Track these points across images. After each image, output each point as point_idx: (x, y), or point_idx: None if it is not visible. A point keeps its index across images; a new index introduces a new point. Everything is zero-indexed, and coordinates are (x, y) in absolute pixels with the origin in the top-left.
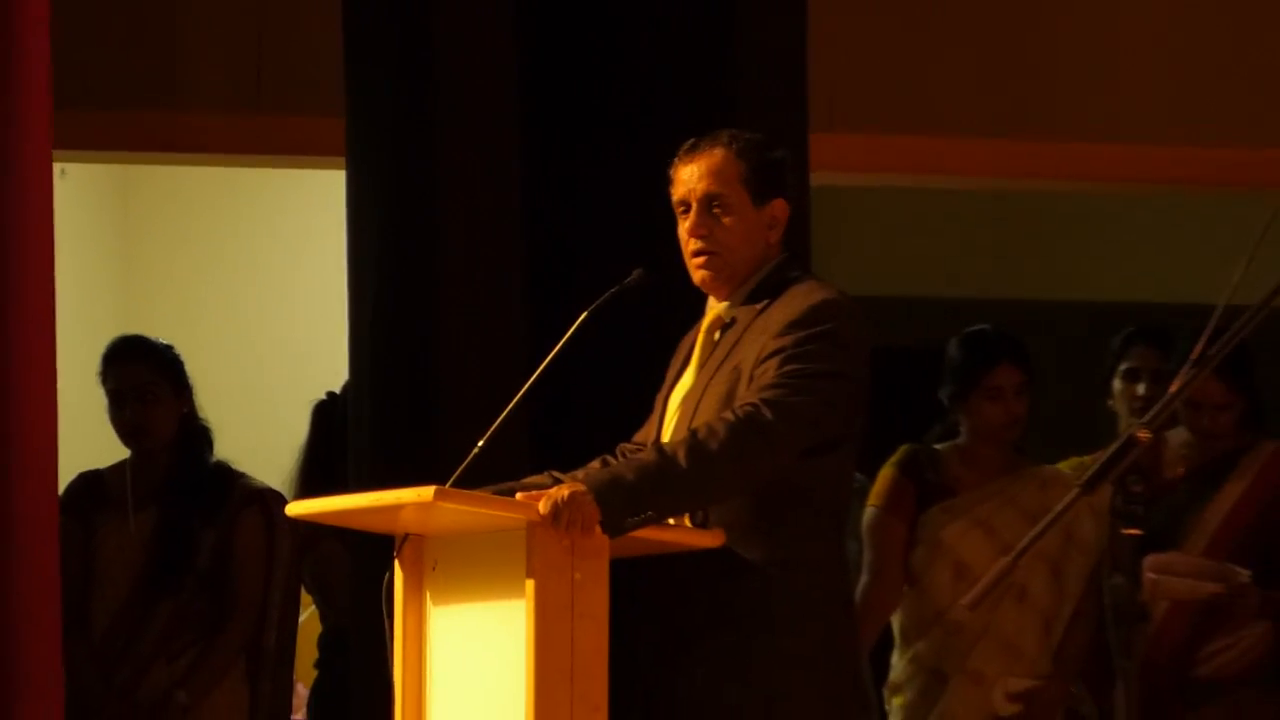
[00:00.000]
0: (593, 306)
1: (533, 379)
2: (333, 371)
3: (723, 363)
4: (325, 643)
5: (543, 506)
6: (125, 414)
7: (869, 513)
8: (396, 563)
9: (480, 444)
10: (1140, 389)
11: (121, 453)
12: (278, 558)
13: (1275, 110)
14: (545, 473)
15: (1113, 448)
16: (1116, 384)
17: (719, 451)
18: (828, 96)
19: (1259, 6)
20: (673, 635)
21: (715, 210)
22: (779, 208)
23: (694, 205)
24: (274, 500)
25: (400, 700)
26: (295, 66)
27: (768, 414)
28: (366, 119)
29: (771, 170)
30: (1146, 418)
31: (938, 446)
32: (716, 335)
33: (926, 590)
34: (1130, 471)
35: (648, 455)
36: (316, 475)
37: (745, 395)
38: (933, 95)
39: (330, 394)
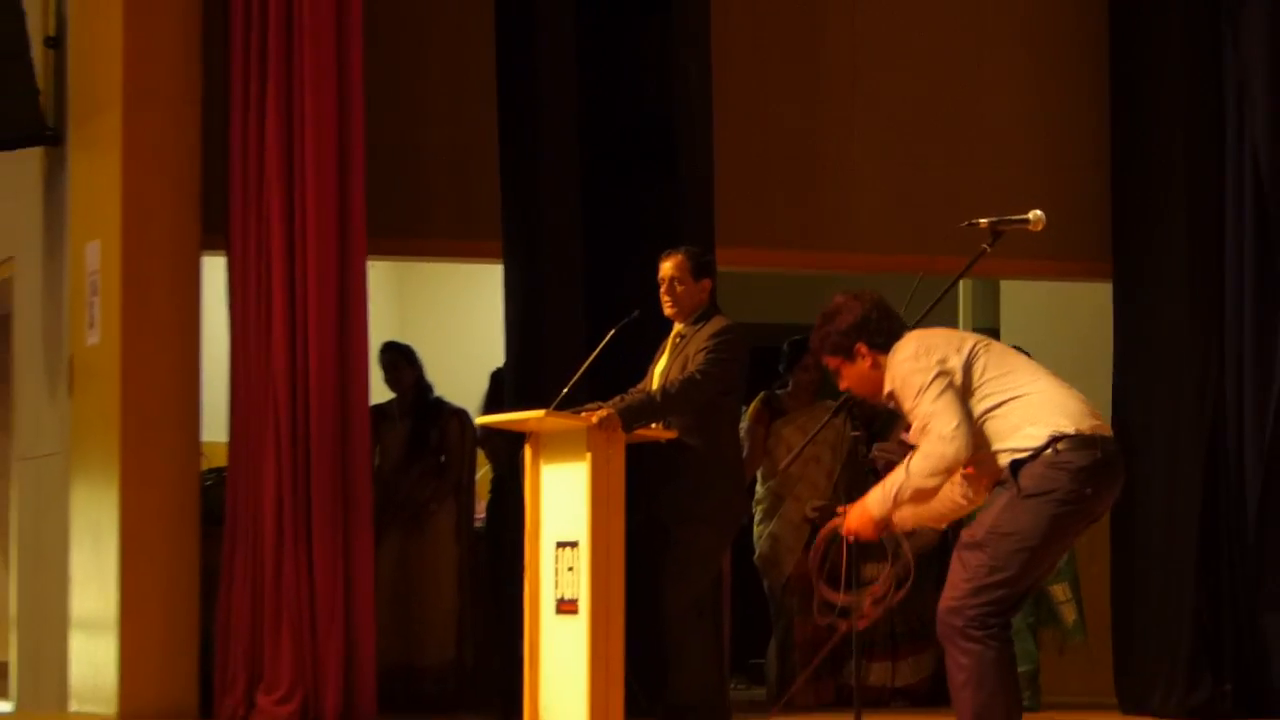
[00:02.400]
0: (610, 334)
1: (588, 361)
2: (497, 358)
3: (679, 353)
4: (494, 484)
5: (594, 418)
6: (391, 377)
7: (746, 422)
8: (527, 445)
9: (564, 390)
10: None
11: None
12: (467, 440)
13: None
14: (595, 402)
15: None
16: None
17: (677, 394)
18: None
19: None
20: (654, 483)
21: (675, 285)
22: (705, 283)
23: (664, 283)
24: (465, 414)
25: (529, 508)
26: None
27: (698, 377)
28: (515, 213)
29: (703, 265)
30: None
31: (778, 391)
32: (677, 340)
33: (772, 456)
34: (859, 403)
35: (643, 394)
36: (491, 404)
37: (689, 369)
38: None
39: (498, 369)
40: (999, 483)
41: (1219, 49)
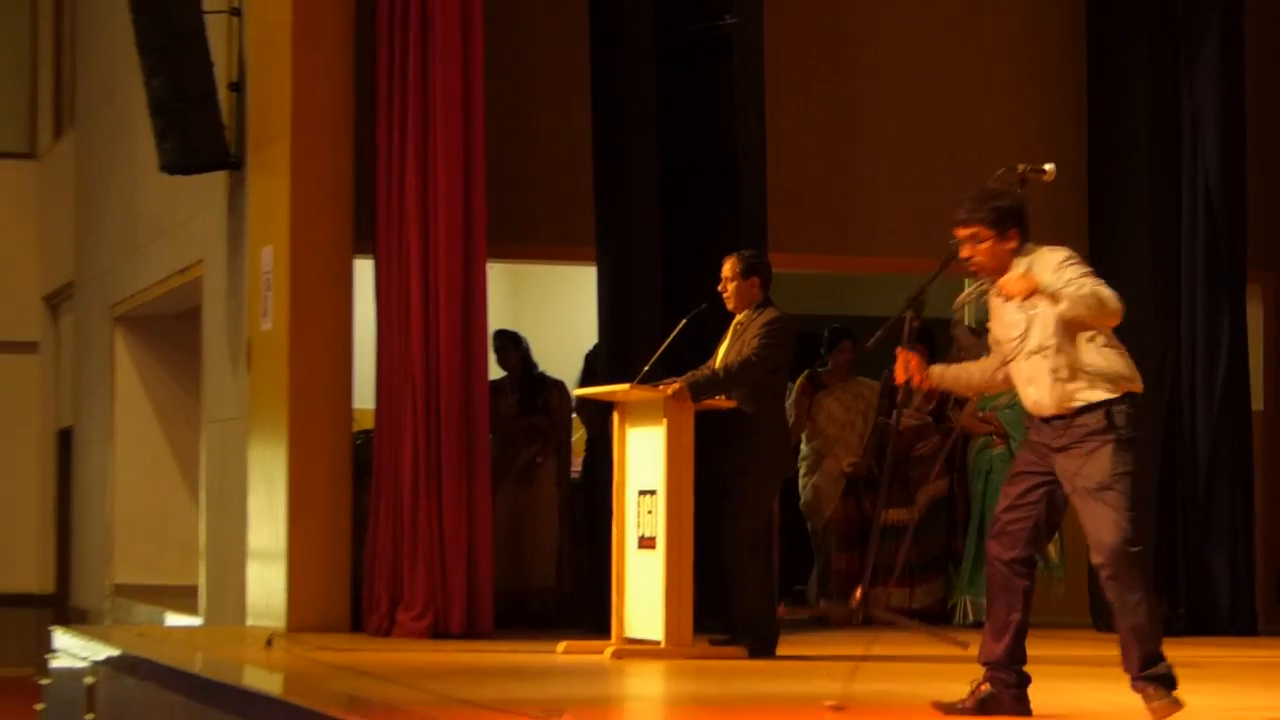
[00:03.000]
0: (682, 322)
1: (664, 345)
2: (590, 341)
3: (738, 338)
4: (587, 444)
5: (669, 391)
6: (502, 358)
7: (792, 394)
8: (615, 412)
9: (645, 368)
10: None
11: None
12: (566, 409)
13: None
14: (670, 377)
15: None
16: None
17: (735, 372)
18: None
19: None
20: (717, 443)
21: (729, 282)
22: (755, 280)
23: (723, 281)
24: (564, 387)
25: (617, 463)
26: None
27: (752, 359)
28: (606, 224)
29: (752, 266)
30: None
31: (819, 369)
32: (736, 327)
33: (814, 422)
34: (888, 379)
35: (709, 371)
36: (586, 379)
37: (745, 352)
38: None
39: (590, 350)
40: (1090, 432)
41: (1177, 85)
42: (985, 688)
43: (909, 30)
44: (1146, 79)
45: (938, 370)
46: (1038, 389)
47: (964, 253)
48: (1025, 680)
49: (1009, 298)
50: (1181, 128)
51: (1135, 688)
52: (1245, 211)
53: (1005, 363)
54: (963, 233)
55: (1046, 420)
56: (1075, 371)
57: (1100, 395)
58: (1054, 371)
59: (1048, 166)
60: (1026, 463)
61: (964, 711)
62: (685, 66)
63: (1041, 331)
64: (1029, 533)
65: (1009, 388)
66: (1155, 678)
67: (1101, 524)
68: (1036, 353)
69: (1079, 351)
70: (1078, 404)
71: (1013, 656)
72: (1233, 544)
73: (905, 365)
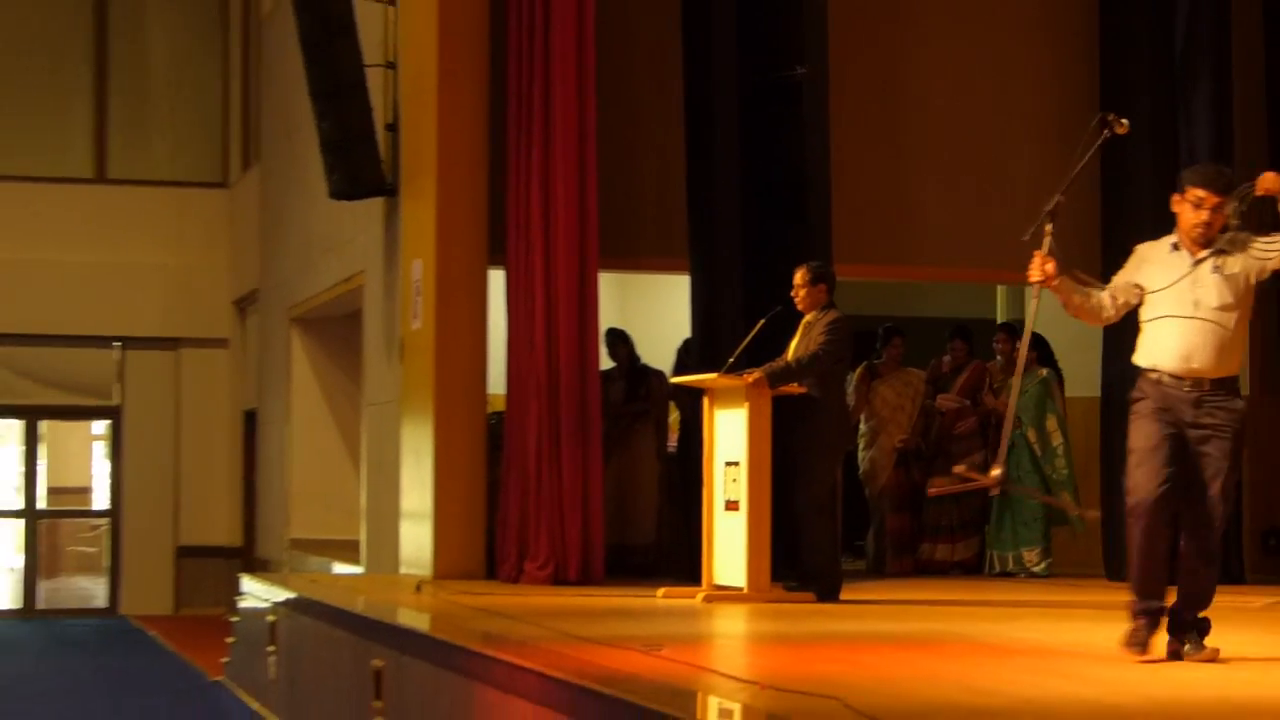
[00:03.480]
0: (760, 323)
1: (745, 341)
2: (684, 334)
3: (806, 335)
4: (682, 423)
5: (749, 379)
6: (611, 351)
7: (853, 382)
8: (705, 397)
9: (730, 360)
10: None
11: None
12: (664, 393)
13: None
14: (751, 368)
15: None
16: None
17: (804, 364)
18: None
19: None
20: (790, 422)
21: (801, 289)
22: (821, 287)
23: (794, 287)
24: (662, 375)
25: (706, 439)
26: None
27: (819, 353)
28: (697, 238)
29: (818, 274)
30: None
31: (875, 361)
32: (805, 326)
33: (871, 406)
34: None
35: (783, 363)
36: (680, 369)
37: (812, 348)
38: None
39: (684, 343)
40: (1231, 392)
41: (1175, 119)
42: (1153, 628)
43: (949, 72)
44: (1150, 115)
45: (1067, 281)
46: (1198, 349)
47: (1209, 218)
48: (1191, 622)
49: (1268, 192)
50: (1180, 155)
51: (1183, 638)
52: None
53: (1128, 307)
54: (1216, 200)
55: (1184, 379)
56: (1235, 341)
57: (1236, 369)
58: (1221, 335)
59: (1124, 120)
60: (1158, 432)
61: (1143, 646)
62: (763, 105)
63: (1227, 292)
64: (1180, 491)
65: (1108, 323)
66: (1198, 629)
67: (1217, 499)
68: (1213, 312)
69: (1240, 323)
70: (1224, 374)
71: (1168, 598)
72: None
73: (1041, 266)
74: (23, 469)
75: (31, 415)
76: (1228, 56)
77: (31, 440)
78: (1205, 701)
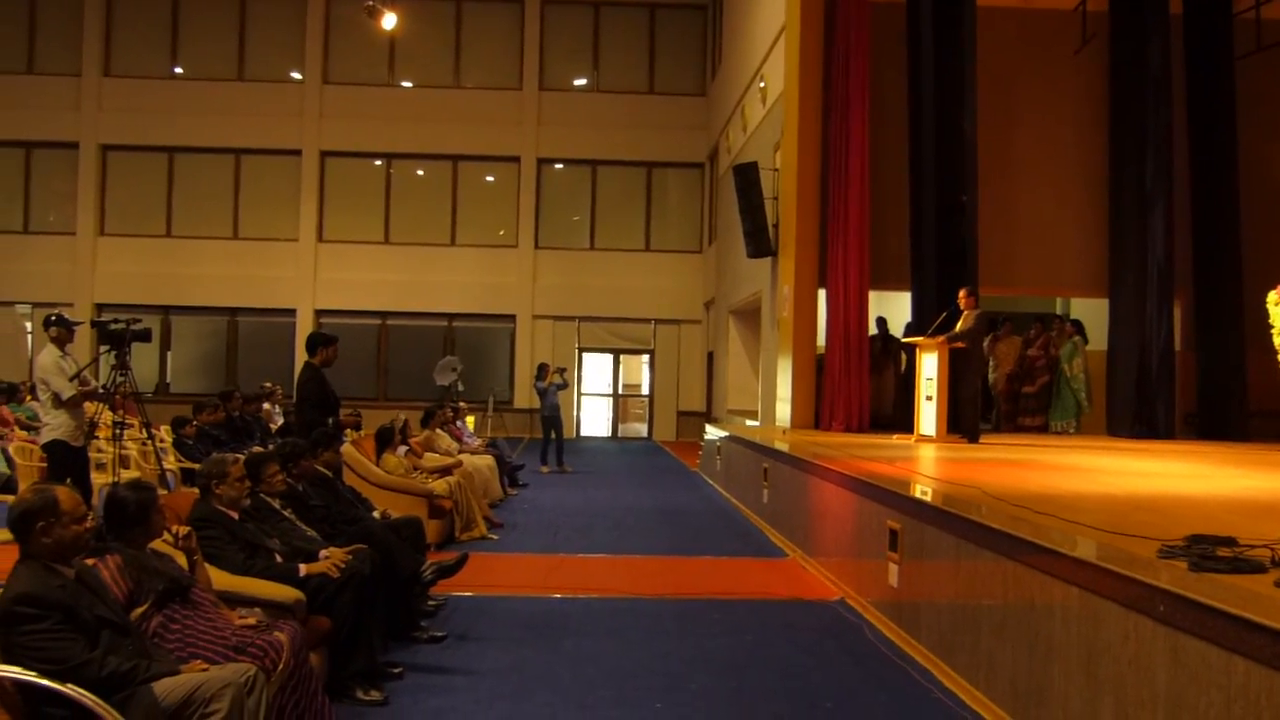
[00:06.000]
0: (942, 314)
1: (934, 324)
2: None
3: (964, 321)
4: (907, 362)
5: (940, 340)
6: (877, 329)
7: (985, 343)
8: (917, 349)
9: (929, 331)
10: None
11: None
12: (899, 348)
13: None
14: (939, 334)
15: None
16: None
17: (964, 334)
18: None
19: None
20: (954, 360)
21: (962, 299)
22: (973, 300)
23: (960, 297)
24: (897, 340)
25: (918, 368)
26: None
27: (971, 330)
28: (915, 269)
29: (972, 292)
30: None
31: (997, 332)
32: (964, 317)
33: (995, 355)
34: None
35: (954, 333)
36: (906, 334)
37: (966, 325)
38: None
39: (907, 323)
40: None
41: (1171, 172)
42: None
43: (1036, 149)
44: (1152, 164)
45: None
46: None
47: None
48: None
49: None
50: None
51: None
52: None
53: None
54: None
55: None
56: None
57: None
58: None
59: None
60: None
61: None
62: (947, 213)
63: None
64: None
65: None
66: None
67: None
68: None
69: None
70: None
71: None
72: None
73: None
74: (610, 378)
75: (615, 353)
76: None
77: (616, 367)
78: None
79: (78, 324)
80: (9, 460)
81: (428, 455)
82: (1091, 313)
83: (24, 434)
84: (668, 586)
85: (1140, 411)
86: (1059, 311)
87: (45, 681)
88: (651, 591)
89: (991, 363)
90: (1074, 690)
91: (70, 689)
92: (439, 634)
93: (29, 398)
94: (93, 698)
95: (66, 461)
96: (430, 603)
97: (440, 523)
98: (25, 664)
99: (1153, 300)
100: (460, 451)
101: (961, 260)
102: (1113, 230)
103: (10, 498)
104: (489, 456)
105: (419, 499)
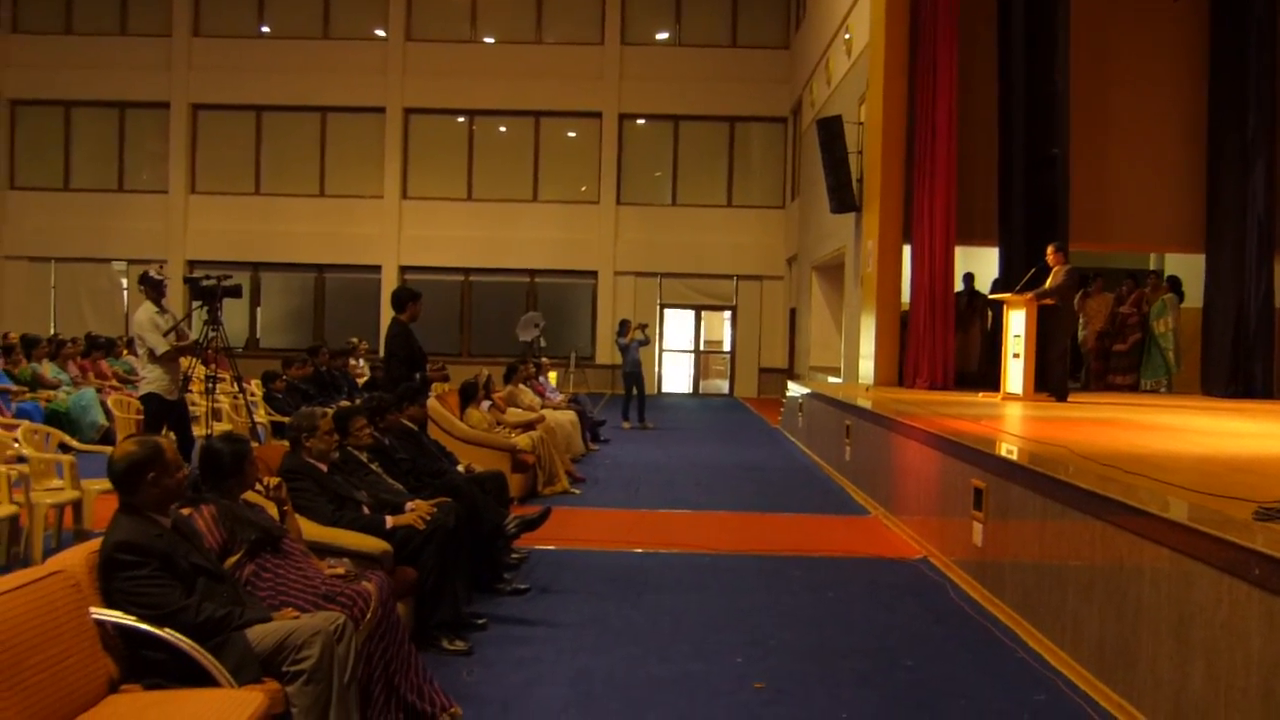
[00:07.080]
0: (1031, 271)
1: (1023, 281)
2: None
3: (1055, 277)
4: (993, 319)
5: (1030, 295)
6: (964, 285)
7: (1076, 300)
8: (1005, 305)
9: (1017, 288)
10: None
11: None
12: (985, 304)
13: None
14: (1027, 290)
15: None
16: None
17: (1054, 289)
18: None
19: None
20: (1043, 317)
21: (1050, 255)
22: (1061, 255)
23: (1049, 253)
24: (984, 296)
25: (1005, 325)
26: None
27: (1061, 285)
28: (1003, 226)
29: (1060, 249)
30: None
31: (1088, 289)
32: (1054, 273)
33: (1085, 313)
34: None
35: (1043, 289)
36: (993, 290)
37: (1057, 281)
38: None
39: (995, 279)
40: None
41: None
42: None
43: (1130, 100)
44: (1254, 116)
45: None
46: None
47: None
48: None
49: None
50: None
51: None
52: None
53: None
54: None
55: None
56: None
57: None
58: None
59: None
60: None
61: None
62: (1036, 166)
63: None
64: None
65: None
66: None
67: None
68: None
69: None
70: None
71: None
72: None
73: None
74: (692, 334)
75: (696, 309)
76: None
77: (697, 323)
78: None
79: (163, 280)
80: (108, 412)
81: (511, 410)
82: (1187, 269)
83: (122, 387)
84: (748, 543)
85: (1237, 370)
86: (1153, 268)
87: (144, 626)
88: (732, 547)
89: (1081, 320)
90: (1163, 654)
91: (168, 633)
92: (522, 586)
93: (125, 352)
94: (189, 642)
95: (161, 414)
96: (513, 556)
97: (523, 477)
98: (125, 609)
99: (1251, 256)
100: (543, 407)
101: (1052, 215)
102: (1210, 184)
103: (108, 449)
104: (571, 412)
105: (502, 453)
